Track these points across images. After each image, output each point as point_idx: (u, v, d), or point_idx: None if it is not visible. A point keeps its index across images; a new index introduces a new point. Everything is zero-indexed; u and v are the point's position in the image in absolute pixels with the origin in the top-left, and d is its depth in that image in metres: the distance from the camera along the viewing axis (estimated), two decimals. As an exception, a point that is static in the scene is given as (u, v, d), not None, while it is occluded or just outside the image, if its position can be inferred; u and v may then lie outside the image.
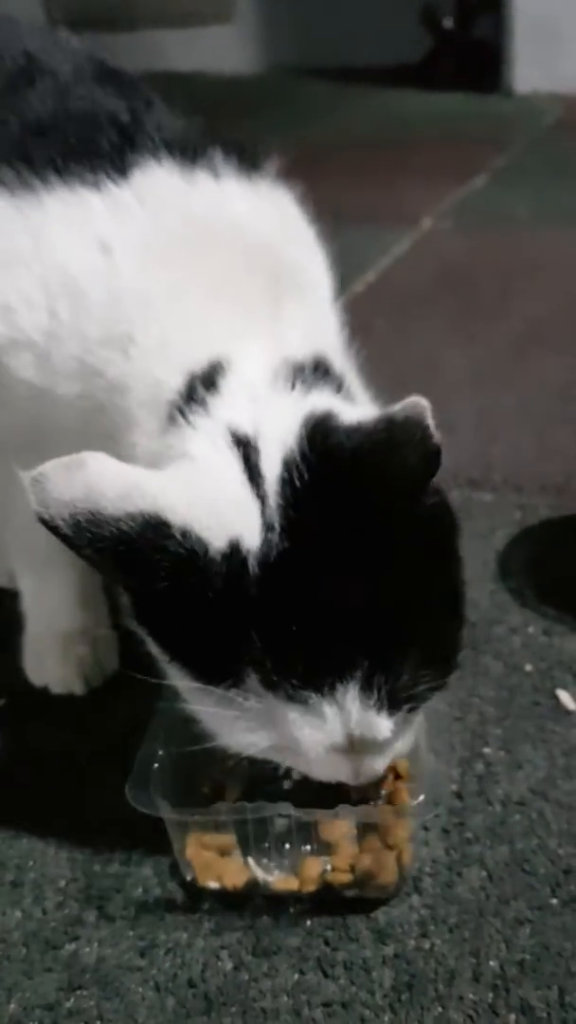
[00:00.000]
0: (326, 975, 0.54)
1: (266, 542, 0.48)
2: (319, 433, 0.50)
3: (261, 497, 0.49)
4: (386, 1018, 0.52)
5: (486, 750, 0.68)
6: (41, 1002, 0.54)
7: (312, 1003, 0.53)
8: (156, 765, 0.60)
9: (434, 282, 1.51)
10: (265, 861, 0.60)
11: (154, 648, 0.52)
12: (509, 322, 1.36)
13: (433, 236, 1.71)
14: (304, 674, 0.48)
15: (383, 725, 0.50)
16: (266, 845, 0.60)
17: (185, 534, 0.47)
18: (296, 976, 0.54)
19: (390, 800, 0.61)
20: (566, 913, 0.57)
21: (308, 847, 0.60)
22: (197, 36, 3.23)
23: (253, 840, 0.60)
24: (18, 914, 0.59)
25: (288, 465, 0.49)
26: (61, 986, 0.55)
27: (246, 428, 0.51)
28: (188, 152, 0.60)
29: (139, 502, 0.47)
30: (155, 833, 0.62)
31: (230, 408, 0.53)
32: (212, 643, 0.48)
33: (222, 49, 3.19)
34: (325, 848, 0.59)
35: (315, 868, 0.58)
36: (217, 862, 0.59)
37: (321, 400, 0.53)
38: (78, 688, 0.75)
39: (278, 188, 0.65)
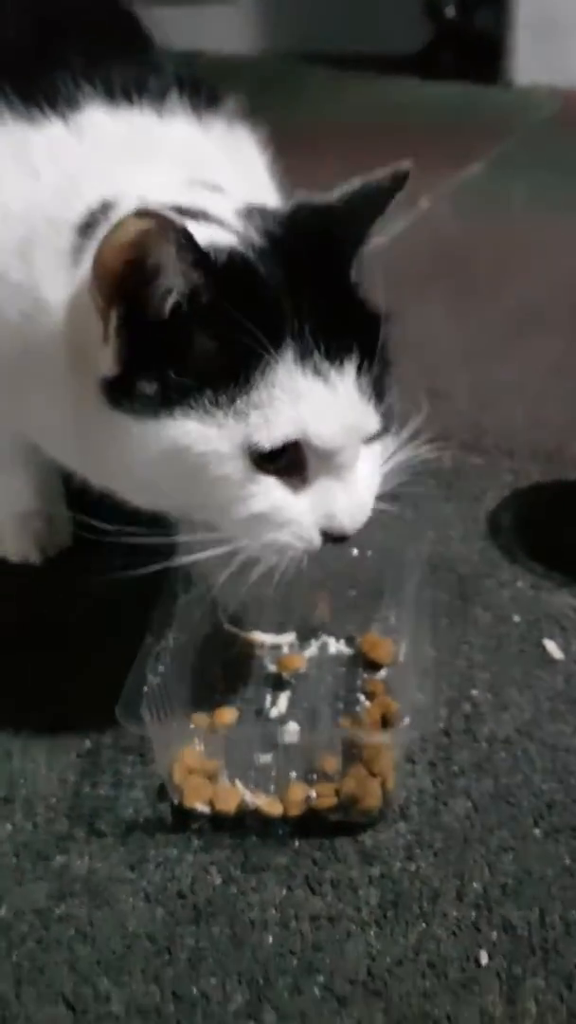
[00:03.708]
0: (313, 892, 0.55)
1: (243, 241, 0.56)
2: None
3: (216, 222, 0.57)
4: (372, 932, 0.53)
5: (473, 692, 0.69)
6: (31, 907, 0.54)
7: (299, 916, 0.54)
8: (146, 689, 0.60)
9: (431, 261, 1.52)
10: (252, 787, 0.61)
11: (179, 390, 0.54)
12: (504, 302, 1.37)
13: (431, 218, 1.71)
14: (327, 344, 0.54)
15: (373, 416, 0.57)
16: (251, 773, 0.61)
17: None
18: (284, 892, 0.55)
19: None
20: (548, 843, 0.58)
21: (293, 774, 0.61)
22: (199, 15, 3.21)
23: (236, 764, 0.61)
24: (8, 827, 0.59)
25: (246, 212, 0.58)
26: (51, 894, 0.55)
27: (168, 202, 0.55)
28: (134, 92, 0.65)
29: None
30: (145, 758, 0.63)
31: (142, 199, 0.55)
32: (254, 321, 0.53)
33: (223, 29, 3.17)
34: (310, 774, 0.60)
35: (300, 793, 0.59)
36: (207, 786, 0.60)
37: None
38: (34, 557, 0.83)
39: (235, 127, 0.70)
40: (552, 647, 0.74)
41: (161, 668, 0.63)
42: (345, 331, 0.56)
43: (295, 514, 0.57)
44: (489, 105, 2.53)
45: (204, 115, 0.68)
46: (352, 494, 0.59)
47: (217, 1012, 0.50)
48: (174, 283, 0.52)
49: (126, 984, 0.51)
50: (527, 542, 0.87)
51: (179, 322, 0.53)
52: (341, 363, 0.56)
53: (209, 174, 0.63)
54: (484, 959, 0.52)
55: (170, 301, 0.53)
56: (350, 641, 0.74)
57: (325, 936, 0.53)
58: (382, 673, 0.71)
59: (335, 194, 0.61)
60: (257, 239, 0.57)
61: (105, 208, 0.58)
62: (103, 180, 0.60)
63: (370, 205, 0.60)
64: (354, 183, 0.61)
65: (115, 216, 0.55)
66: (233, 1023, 0.49)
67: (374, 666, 0.71)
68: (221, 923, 0.54)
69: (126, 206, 0.56)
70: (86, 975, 0.51)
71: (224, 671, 0.71)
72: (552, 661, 0.72)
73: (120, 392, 0.55)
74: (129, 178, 0.60)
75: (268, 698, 0.69)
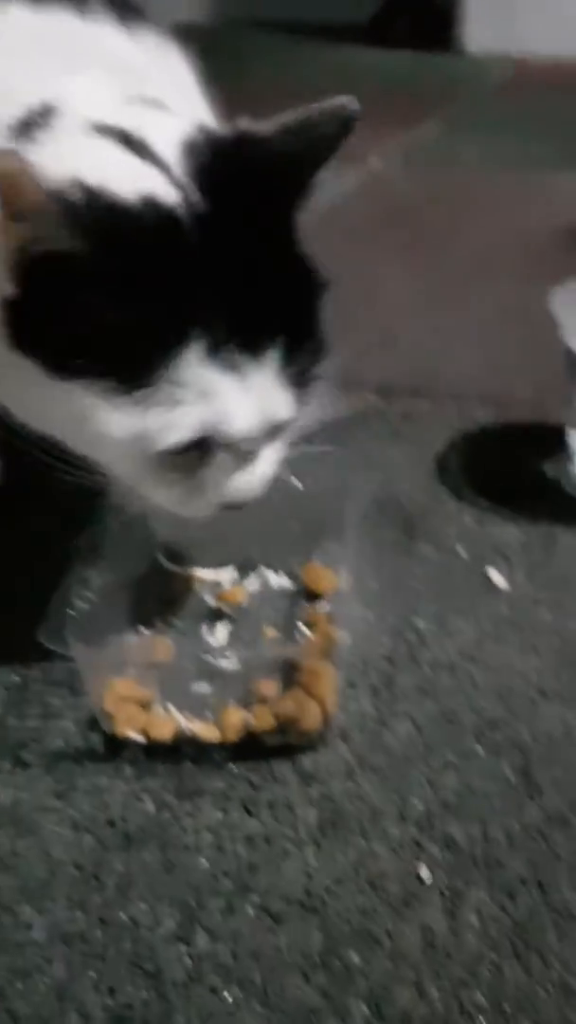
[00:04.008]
0: (250, 813, 0.53)
1: (186, 199, 0.49)
2: (220, 128, 0.53)
3: (163, 167, 0.50)
4: (310, 851, 0.51)
5: (418, 621, 0.68)
6: (-50, 839, 0.52)
7: (235, 838, 0.52)
8: (72, 613, 0.58)
9: (382, 216, 1.50)
10: (188, 714, 0.58)
11: (64, 379, 0.49)
12: (454, 254, 1.36)
13: (382, 176, 1.70)
14: (244, 338, 0.49)
15: (288, 405, 0.53)
16: (187, 701, 0.59)
17: (100, 194, 0.47)
18: (219, 815, 0.53)
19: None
20: (491, 759, 0.57)
21: (231, 701, 0.59)
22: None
23: (171, 694, 0.59)
24: None
25: (188, 146, 0.52)
26: (-28, 826, 0.53)
27: (112, 123, 0.51)
28: None
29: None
30: (75, 691, 0.60)
31: (87, 114, 0.52)
32: (156, 310, 0.48)
33: (173, -1, 3.12)
34: (244, 700, 0.58)
35: (237, 717, 0.57)
36: (140, 714, 0.58)
37: None
38: None
39: (164, 41, 0.66)
40: (496, 576, 0.72)
41: (92, 597, 0.61)
42: (271, 314, 0.51)
43: (191, 495, 0.55)
44: (441, 72, 2.52)
45: (131, 24, 0.65)
46: (253, 471, 0.55)
47: (146, 937, 0.47)
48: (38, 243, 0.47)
49: (49, 911, 0.48)
50: (474, 481, 0.85)
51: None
52: (262, 353, 0.50)
53: (147, 88, 0.59)
54: (425, 875, 0.50)
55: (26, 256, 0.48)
56: (293, 575, 0.72)
57: (261, 856, 0.51)
58: (324, 604, 0.69)
59: (277, 129, 0.54)
60: (192, 194, 0.50)
61: (46, 112, 0.53)
62: (38, 81, 0.55)
63: (314, 155, 0.54)
64: (296, 119, 0.54)
65: (57, 124, 0.52)
66: (163, 947, 0.47)
67: (317, 598, 0.70)
68: (152, 849, 0.51)
69: (70, 116, 0.52)
70: (6, 903, 0.49)
71: (162, 606, 0.69)
72: (496, 590, 0.71)
73: (23, 331, 0.50)
74: (67, 84, 0.55)
75: (207, 630, 0.67)
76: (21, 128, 0.53)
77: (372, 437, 0.92)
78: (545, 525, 0.78)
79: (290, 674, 0.60)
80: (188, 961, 0.46)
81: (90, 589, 0.61)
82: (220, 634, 0.66)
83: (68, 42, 0.60)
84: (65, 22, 0.61)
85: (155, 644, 0.64)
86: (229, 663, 0.63)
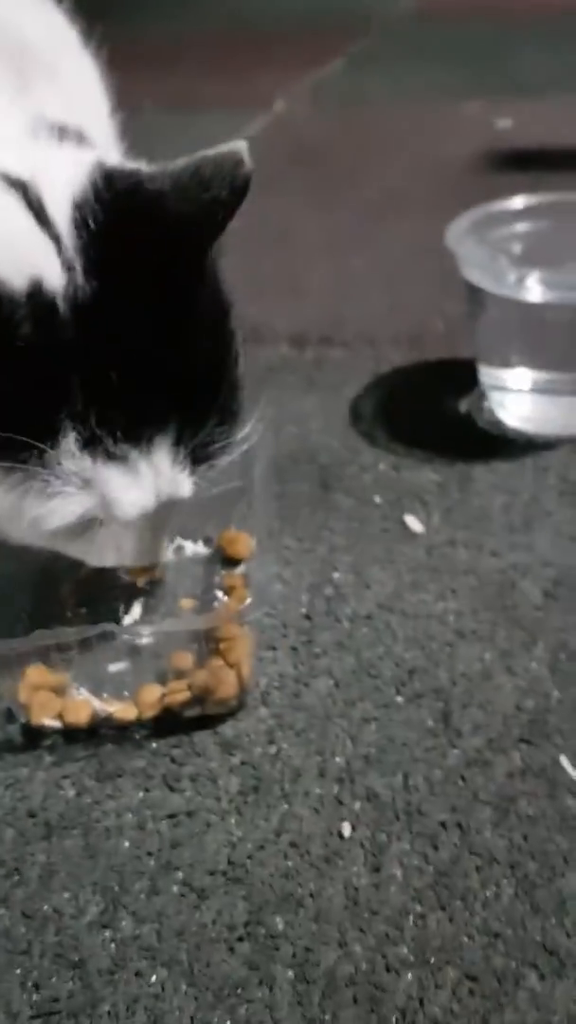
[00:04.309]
0: (172, 789, 0.53)
1: (71, 282, 0.45)
2: (116, 176, 0.47)
3: (55, 238, 0.45)
4: (232, 820, 0.51)
5: (335, 575, 0.67)
6: None
7: (157, 816, 0.51)
8: None
9: (289, 159, 1.46)
10: (105, 696, 0.57)
11: None
12: (364, 192, 1.33)
13: (288, 118, 1.65)
14: (125, 428, 0.46)
15: (186, 484, 0.50)
16: (103, 682, 0.58)
17: None
18: (141, 794, 0.53)
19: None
20: (411, 708, 0.56)
21: (149, 677, 0.58)
22: None
23: (88, 676, 0.57)
24: None
25: (81, 207, 0.46)
26: None
27: (17, 172, 0.46)
28: None
29: None
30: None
31: None
32: (24, 403, 0.44)
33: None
34: (161, 675, 0.57)
35: (152, 693, 0.56)
36: (54, 701, 0.57)
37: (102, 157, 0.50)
38: None
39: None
40: (413, 522, 0.72)
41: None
42: (159, 400, 0.47)
43: (90, 552, 0.53)
44: (346, 6, 2.45)
45: None
46: (154, 534, 0.54)
47: (70, 926, 0.47)
48: None
49: (-29, 911, 0.48)
50: (388, 425, 0.84)
51: None
52: (150, 440, 0.47)
53: (45, 92, 0.54)
54: (347, 831, 0.50)
55: None
56: (207, 541, 0.70)
57: (183, 832, 0.50)
58: (241, 568, 0.68)
59: (172, 182, 0.48)
60: (79, 275, 0.45)
61: None
62: None
63: (211, 221, 0.48)
64: (189, 173, 0.47)
65: None
66: (87, 935, 0.46)
67: (234, 563, 0.68)
68: (74, 836, 0.51)
69: None
70: None
71: (74, 588, 0.67)
72: (413, 535, 0.70)
73: None
74: None
75: (121, 608, 0.65)
76: None
77: (285, 389, 0.90)
78: (461, 464, 0.78)
79: (207, 643, 0.59)
80: (113, 947, 0.46)
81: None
82: (135, 611, 0.65)
83: None
84: None
85: (66, 629, 0.62)
86: (144, 639, 0.62)
